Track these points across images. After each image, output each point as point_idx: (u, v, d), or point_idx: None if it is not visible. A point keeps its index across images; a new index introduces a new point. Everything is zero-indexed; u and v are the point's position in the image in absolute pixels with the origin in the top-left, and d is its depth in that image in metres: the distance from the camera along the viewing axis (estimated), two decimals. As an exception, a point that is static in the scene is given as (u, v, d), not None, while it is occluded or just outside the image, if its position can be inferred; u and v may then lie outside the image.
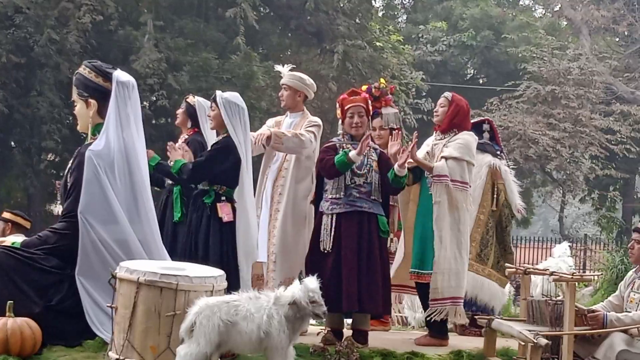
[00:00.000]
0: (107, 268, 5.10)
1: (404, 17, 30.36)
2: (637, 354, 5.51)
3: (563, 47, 24.65)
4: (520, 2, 31.50)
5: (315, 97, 8.97)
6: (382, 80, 7.51)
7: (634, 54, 25.16)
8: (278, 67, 7.00)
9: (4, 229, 8.12)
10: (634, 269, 6.16)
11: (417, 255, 6.37)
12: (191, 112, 7.12)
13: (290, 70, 6.81)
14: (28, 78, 18.16)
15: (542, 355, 5.37)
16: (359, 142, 5.95)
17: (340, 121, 6.33)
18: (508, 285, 8.35)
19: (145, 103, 17.51)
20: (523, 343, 5.58)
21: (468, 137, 6.41)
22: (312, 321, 5.47)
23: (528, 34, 26.17)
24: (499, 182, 7.29)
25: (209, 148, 6.21)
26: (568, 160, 22.74)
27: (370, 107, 6.35)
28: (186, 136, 7.06)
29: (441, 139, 6.45)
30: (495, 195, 7.24)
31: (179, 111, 7.33)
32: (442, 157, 6.28)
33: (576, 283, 5.65)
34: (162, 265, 5.01)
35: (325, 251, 5.95)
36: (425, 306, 6.37)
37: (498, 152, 7.47)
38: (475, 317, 6.33)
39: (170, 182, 6.83)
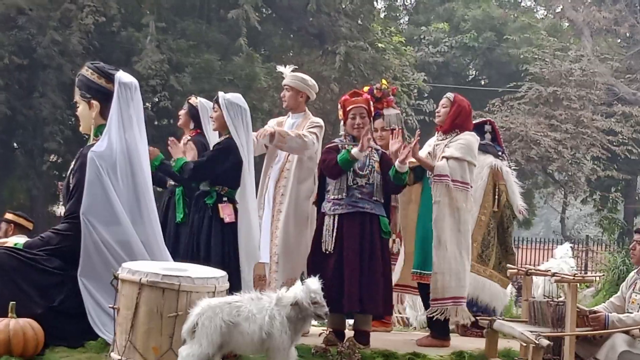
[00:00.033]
0: (109, 269, 5.09)
1: (406, 18, 30.33)
2: (639, 355, 5.52)
3: (565, 49, 24.64)
4: (522, 4, 31.47)
5: (317, 98, 8.97)
6: (383, 81, 7.52)
7: (635, 55, 25.12)
8: (280, 68, 6.99)
9: (6, 230, 8.14)
10: (635, 270, 6.16)
11: (419, 256, 6.37)
12: (193, 114, 7.11)
13: (292, 71, 6.81)
14: (30, 79, 18.18)
15: (544, 356, 5.38)
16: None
17: (342, 122, 6.34)
18: (510, 286, 8.33)
19: (147, 104, 17.51)
20: (525, 344, 5.58)
21: (470, 138, 6.40)
22: (314, 322, 5.49)
23: (530, 35, 26.13)
24: (501, 183, 7.28)
25: (211, 149, 6.22)
26: (570, 161, 22.74)
27: (372, 108, 6.35)
28: (188, 137, 7.07)
29: (443, 140, 6.44)
30: (496, 196, 7.22)
31: (182, 112, 7.32)
32: (443, 157, 6.27)
33: (578, 284, 5.65)
34: (164, 266, 5.01)
35: (327, 252, 5.95)
36: (427, 307, 6.36)
37: (500, 153, 7.46)
38: (477, 318, 6.32)
39: (172, 182, 6.84)
